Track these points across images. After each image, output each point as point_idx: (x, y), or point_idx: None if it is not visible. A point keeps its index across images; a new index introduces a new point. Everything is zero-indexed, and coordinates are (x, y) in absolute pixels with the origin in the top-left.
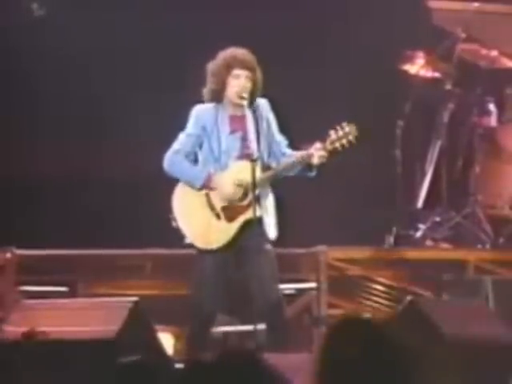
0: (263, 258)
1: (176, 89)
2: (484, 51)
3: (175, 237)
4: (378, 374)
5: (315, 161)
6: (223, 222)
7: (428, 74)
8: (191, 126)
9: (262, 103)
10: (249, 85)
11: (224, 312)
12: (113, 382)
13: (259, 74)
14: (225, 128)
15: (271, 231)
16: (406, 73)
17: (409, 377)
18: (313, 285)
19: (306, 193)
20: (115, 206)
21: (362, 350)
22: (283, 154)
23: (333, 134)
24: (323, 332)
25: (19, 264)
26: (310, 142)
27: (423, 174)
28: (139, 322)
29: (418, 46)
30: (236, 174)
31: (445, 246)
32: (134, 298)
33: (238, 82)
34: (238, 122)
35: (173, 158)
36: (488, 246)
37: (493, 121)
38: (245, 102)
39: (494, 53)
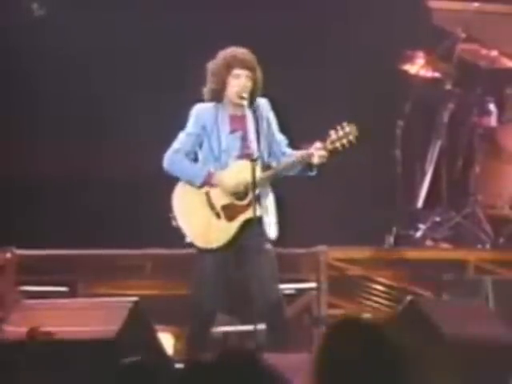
0: (263, 258)
1: (176, 89)
2: (484, 51)
3: (175, 237)
4: (377, 374)
5: (315, 160)
6: (223, 222)
7: (428, 74)
8: (191, 125)
9: (263, 103)
10: (249, 84)
11: (224, 312)
12: (113, 382)
13: (259, 74)
14: (225, 127)
15: (271, 231)
16: (405, 73)
17: (408, 377)
18: (313, 285)
19: (306, 193)
20: (115, 206)
21: (360, 351)
22: (283, 154)
23: (333, 134)
24: (322, 332)
25: (19, 264)
26: (310, 141)
27: (423, 174)
28: (139, 322)
29: (417, 46)
30: (236, 172)
31: (445, 246)
32: (134, 298)
33: (238, 82)
34: (238, 122)
35: (173, 157)
36: (488, 246)
37: (493, 121)
38: (245, 102)
39: (494, 53)
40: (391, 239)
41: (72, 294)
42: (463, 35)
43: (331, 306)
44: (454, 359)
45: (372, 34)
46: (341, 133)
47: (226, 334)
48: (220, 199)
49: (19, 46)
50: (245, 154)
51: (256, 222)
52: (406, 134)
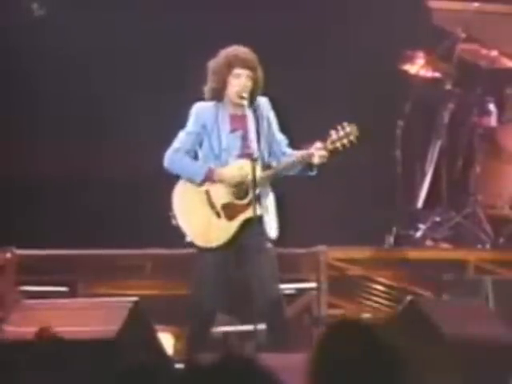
0: (263, 257)
1: (176, 89)
2: (484, 51)
3: (175, 236)
4: (373, 375)
5: (316, 160)
6: (223, 221)
7: (428, 73)
8: (191, 124)
9: (263, 102)
10: (249, 84)
11: (224, 311)
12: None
13: (260, 73)
14: (225, 126)
15: (272, 230)
16: (406, 73)
17: (406, 378)
18: (313, 285)
19: (307, 193)
20: (115, 206)
21: (357, 352)
22: (283, 154)
23: (333, 134)
24: (319, 333)
25: (19, 264)
26: (310, 141)
27: (423, 174)
28: (139, 322)
29: (417, 46)
30: (238, 168)
31: (445, 246)
32: (134, 298)
33: (239, 82)
34: (238, 122)
35: (173, 156)
36: (488, 246)
37: (493, 121)
38: (245, 102)
39: (494, 53)
40: (391, 239)
41: (72, 293)
42: (463, 35)
43: (331, 305)
44: (453, 359)
45: (372, 34)
46: (341, 133)
47: (225, 334)
48: (220, 198)
49: (19, 46)
50: (245, 154)
51: (256, 222)
52: (406, 134)
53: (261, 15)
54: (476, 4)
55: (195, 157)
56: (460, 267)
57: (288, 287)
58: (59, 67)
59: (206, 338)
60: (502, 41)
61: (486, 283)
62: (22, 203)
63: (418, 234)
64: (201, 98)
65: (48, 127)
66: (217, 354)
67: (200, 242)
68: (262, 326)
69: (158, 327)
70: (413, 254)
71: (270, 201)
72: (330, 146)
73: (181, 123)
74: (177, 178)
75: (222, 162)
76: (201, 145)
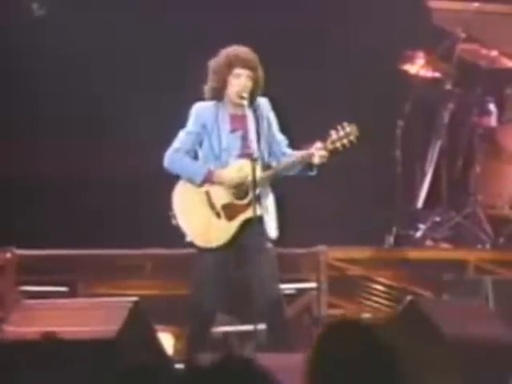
0: (263, 257)
1: (176, 89)
2: (484, 51)
3: (175, 236)
4: (373, 375)
5: (316, 160)
6: (223, 221)
7: (428, 74)
8: (191, 124)
9: (263, 102)
10: (249, 84)
11: (224, 311)
12: (113, 382)
13: (260, 73)
14: (225, 126)
15: (272, 230)
16: (406, 73)
17: (405, 378)
18: (313, 285)
19: (307, 193)
20: (115, 206)
21: (357, 352)
22: (283, 154)
23: (334, 134)
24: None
25: (19, 264)
26: (310, 141)
27: (423, 174)
28: (139, 322)
29: (418, 46)
30: (237, 169)
31: (445, 246)
32: (134, 298)
33: (239, 82)
34: (238, 122)
35: (173, 156)
36: (488, 246)
37: (493, 121)
38: (245, 102)
39: (494, 53)
40: (391, 239)
41: (72, 294)
42: (463, 35)
43: (331, 305)
44: (453, 359)
45: (372, 34)
46: (341, 133)
47: (226, 333)
48: (220, 198)
49: (19, 46)
50: (245, 154)
51: (256, 222)
52: (406, 134)
53: (261, 15)
54: (476, 4)
55: (195, 157)
56: (460, 267)
57: (288, 287)
58: (59, 67)
59: (206, 338)
60: (502, 41)
61: (486, 283)
62: (22, 203)
63: (418, 234)
64: (201, 98)
65: (48, 127)
66: (217, 354)
67: (200, 242)
68: (261, 326)
69: (158, 327)
70: (413, 253)
71: (269, 201)
72: (330, 146)
73: (181, 123)
74: (177, 178)
75: (221, 161)
76: (201, 145)
